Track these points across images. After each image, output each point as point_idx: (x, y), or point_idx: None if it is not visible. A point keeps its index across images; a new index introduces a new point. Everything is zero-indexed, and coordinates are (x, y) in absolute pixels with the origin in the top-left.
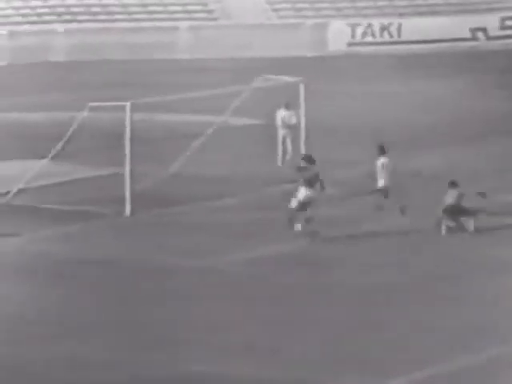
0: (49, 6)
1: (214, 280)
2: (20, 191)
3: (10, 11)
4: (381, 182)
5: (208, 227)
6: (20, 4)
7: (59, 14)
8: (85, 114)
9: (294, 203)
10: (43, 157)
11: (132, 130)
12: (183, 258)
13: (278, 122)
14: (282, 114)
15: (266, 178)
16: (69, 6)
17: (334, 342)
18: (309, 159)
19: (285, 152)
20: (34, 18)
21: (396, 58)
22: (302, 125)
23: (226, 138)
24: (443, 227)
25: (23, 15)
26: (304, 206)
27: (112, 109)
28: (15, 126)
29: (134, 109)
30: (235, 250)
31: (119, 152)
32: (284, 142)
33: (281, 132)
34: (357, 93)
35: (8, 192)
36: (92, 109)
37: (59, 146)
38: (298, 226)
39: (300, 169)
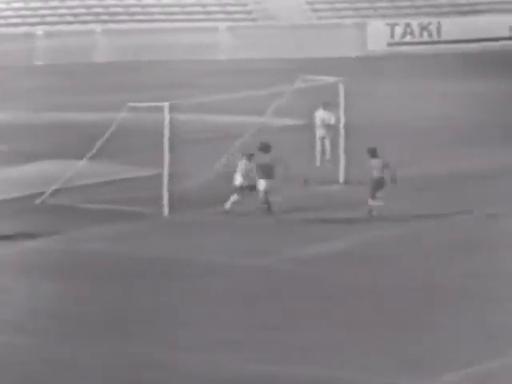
0: (86, 6)
1: (258, 279)
2: (58, 191)
3: (46, 11)
4: None
5: (246, 226)
6: (57, 4)
7: (97, 15)
8: (123, 114)
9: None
10: (82, 157)
11: (173, 131)
12: (232, 256)
13: (317, 122)
14: (320, 114)
15: (305, 178)
16: (107, 7)
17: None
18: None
19: (323, 152)
20: (71, 18)
21: (436, 58)
22: (342, 125)
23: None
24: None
25: (60, 15)
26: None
27: (152, 109)
28: (53, 125)
29: (173, 109)
30: (279, 249)
31: (160, 153)
32: (322, 143)
33: (319, 132)
34: (396, 93)
35: (44, 192)
36: (131, 109)
37: (97, 146)
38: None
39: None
